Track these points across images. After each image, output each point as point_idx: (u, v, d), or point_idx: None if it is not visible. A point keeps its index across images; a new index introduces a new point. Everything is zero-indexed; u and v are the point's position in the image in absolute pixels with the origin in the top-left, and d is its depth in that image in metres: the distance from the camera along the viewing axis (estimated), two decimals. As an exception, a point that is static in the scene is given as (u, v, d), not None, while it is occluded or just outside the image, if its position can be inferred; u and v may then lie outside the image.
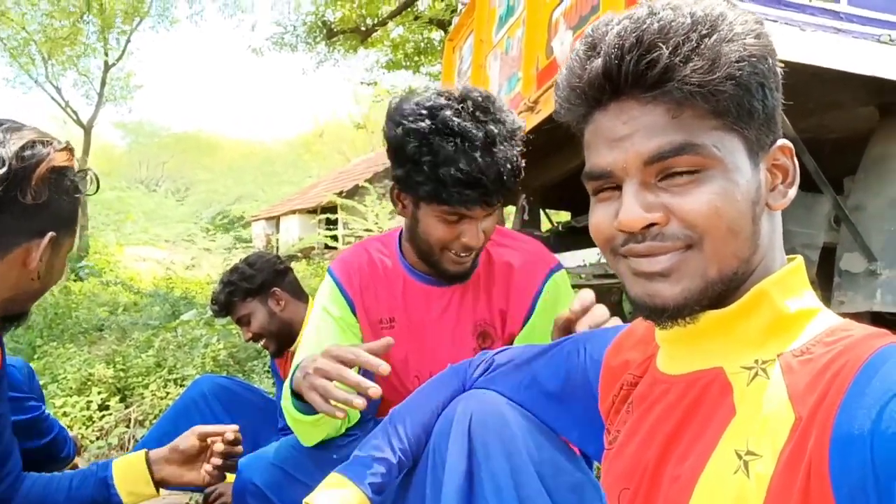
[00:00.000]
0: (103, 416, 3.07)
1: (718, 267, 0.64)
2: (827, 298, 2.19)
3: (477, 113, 1.26)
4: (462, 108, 1.26)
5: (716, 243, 0.64)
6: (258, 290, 2.13)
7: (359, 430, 1.49)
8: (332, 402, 1.09)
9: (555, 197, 3.55)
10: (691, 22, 0.62)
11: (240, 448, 1.36)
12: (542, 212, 3.64)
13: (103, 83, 15.20)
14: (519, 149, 1.30)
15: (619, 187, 0.67)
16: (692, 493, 0.63)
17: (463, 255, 1.34)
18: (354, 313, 1.49)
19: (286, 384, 1.34)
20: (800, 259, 0.69)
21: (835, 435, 0.53)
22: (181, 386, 3.34)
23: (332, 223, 13.66)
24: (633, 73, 0.63)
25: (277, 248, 14.56)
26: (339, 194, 13.61)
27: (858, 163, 2.32)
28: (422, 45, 11.57)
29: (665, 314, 0.67)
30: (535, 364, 1.07)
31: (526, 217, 3.41)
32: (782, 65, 0.68)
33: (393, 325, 1.48)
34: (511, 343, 1.45)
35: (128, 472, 1.30)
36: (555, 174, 3.08)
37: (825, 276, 2.26)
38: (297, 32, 11.65)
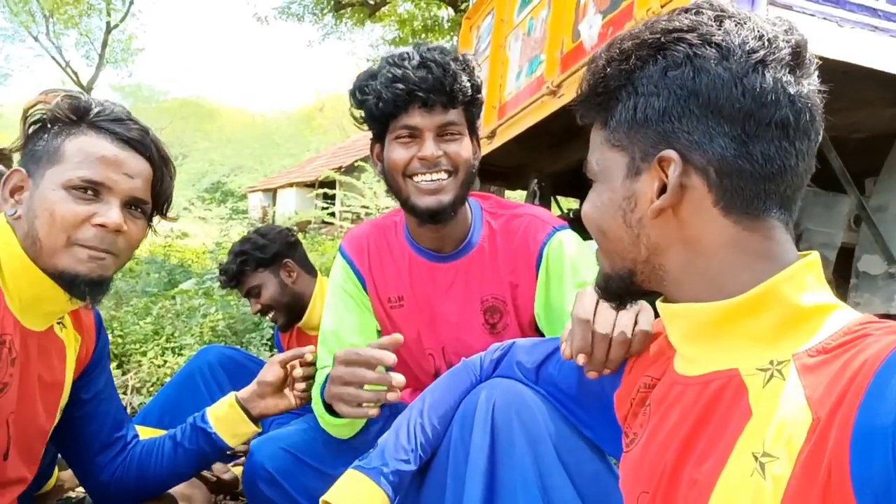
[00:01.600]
0: (100, 381, 3.04)
1: (609, 262, 0.77)
2: (843, 299, 2.18)
3: (423, 52, 1.31)
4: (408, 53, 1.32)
5: (596, 240, 0.78)
6: (270, 260, 2.11)
7: (383, 424, 1.48)
8: (364, 405, 1.13)
9: (567, 183, 3.53)
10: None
11: (314, 370, 1.41)
12: (552, 198, 3.61)
13: (104, 45, 15.01)
14: (462, 65, 1.32)
15: None
16: (710, 496, 0.63)
17: (424, 176, 1.31)
18: (366, 290, 1.49)
19: (315, 393, 1.35)
20: (815, 255, 0.68)
21: (855, 435, 0.52)
22: (179, 355, 3.31)
23: (329, 198, 13.58)
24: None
25: (274, 220, 14.50)
26: (338, 170, 13.52)
27: (881, 163, 2.30)
28: (429, 22, 11.45)
29: (599, 295, 0.82)
30: (548, 363, 1.08)
31: (536, 202, 3.38)
32: (819, 61, 0.70)
33: (402, 303, 1.48)
34: (527, 317, 1.43)
35: (224, 418, 1.35)
36: (569, 160, 3.05)
37: (842, 277, 2.25)
38: (304, 2, 11.51)
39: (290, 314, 2.14)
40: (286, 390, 1.39)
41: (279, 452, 1.34)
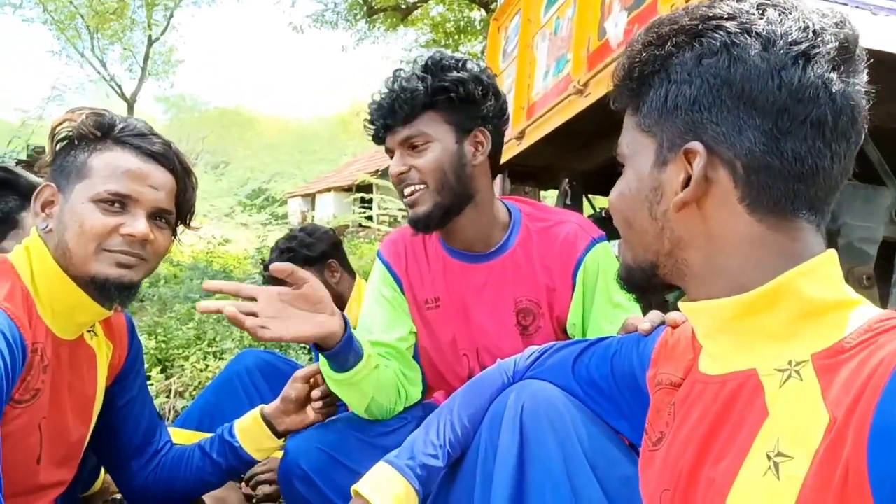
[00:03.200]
0: (145, 385, 3.13)
1: (631, 255, 0.76)
2: (885, 295, 2.12)
3: (424, 62, 1.38)
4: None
5: (620, 231, 0.78)
6: (317, 259, 2.14)
7: (407, 413, 1.50)
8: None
9: (598, 182, 3.49)
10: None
11: None
12: (584, 197, 3.58)
13: (146, 58, 15.46)
14: (435, 67, 1.36)
15: None
16: (727, 496, 0.63)
17: (403, 189, 1.38)
18: (403, 293, 1.52)
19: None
20: (832, 252, 0.66)
21: (873, 435, 0.51)
22: (220, 359, 3.38)
23: (366, 202, 13.70)
24: None
25: (313, 225, 14.67)
26: (374, 173, 13.64)
27: (924, 155, 2.22)
28: (462, 23, 11.46)
29: (621, 286, 0.81)
30: (583, 357, 1.08)
31: (568, 201, 3.37)
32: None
33: (438, 304, 1.50)
34: (560, 321, 1.44)
35: (250, 432, 1.40)
36: (599, 159, 3.03)
37: (884, 272, 2.18)
38: (337, 9, 11.65)
39: None
40: (308, 406, 1.42)
41: (314, 451, 1.36)
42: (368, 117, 1.41)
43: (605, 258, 1.41)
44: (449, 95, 1.35)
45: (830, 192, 0.66)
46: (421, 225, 1.39)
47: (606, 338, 1.10)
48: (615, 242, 0.94)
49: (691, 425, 0.72)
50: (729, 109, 0.64)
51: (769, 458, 0.59)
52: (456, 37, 11.42)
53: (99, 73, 15.48)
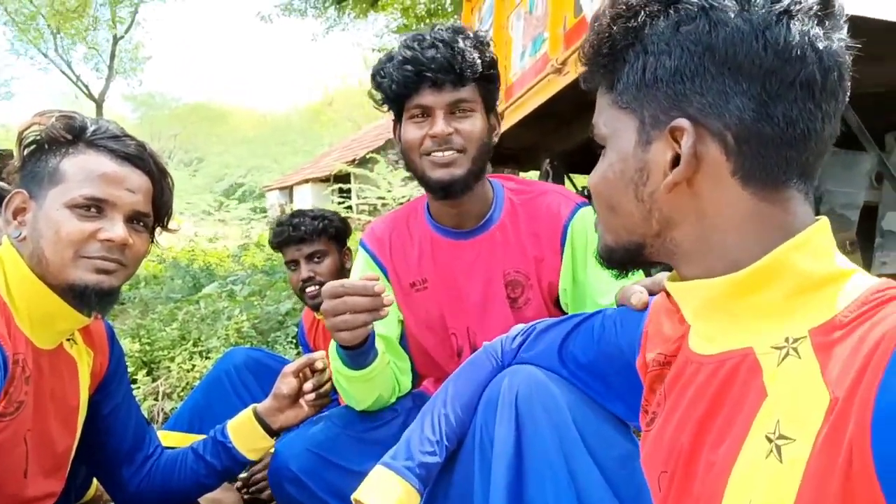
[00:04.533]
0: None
1: (612, 237, 0.73)
2: (868, 259, 2.14)
3: (434, 32, 1.36)
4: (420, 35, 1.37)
5: (600, 214, 0.75)
6: (341, 239, 2.16)
7: (397, 405, 1.50)
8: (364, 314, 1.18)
9: (579, 161, 3.49)
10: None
11: (327, 374, 1.42)
12: (565, 176, 3.58)
13: (112, 56, 15.16)
14: (473, 41, 1.35)
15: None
16: (727, 480, 0.61)
17: (437, 151, 1.35)
18: (388, 280, 1.52)
19: (332, 349, 1.36)
20: (824, 219, 0.64)
21: (876, 414, 0.49)
22: (207, 358, 3.35)
23: (344, 192, 13.61)
24: None
25: (292, 218, 14.54)
26: (351, 163, 13.54)
27: (901, 118, 2.23)
28: (432, 6, 11.35)
29: (600, 263, 0.78)
30: (568, 343, 1.07)
31: (549, 181, 3.36)
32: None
33: (426, 285, 1.50)
34: (551, 291, 1.44)
35: (243, 432, 1.38)
36: (580, 138, 3.02)
37: (866, 237, 2.20)
38: (305, -3, 11.46)
39: None
40: (301, 400, 1.41)
41: (304, 453, 1.35)
42: (399, 65, 1.34)
43: (592, 221, 1.40)
44: (489, 72, 1.38)
45: (820, 157, 0.64)
46: (453, 187, 1.36)
47: (591, 316, 1.08)
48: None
49: (686, 406, 0.70)
50: (713, 77, 0.61)
51: (770, 440, 0.58)
52: (427, 20, 11.31)
53: (65, 73, 15.14)
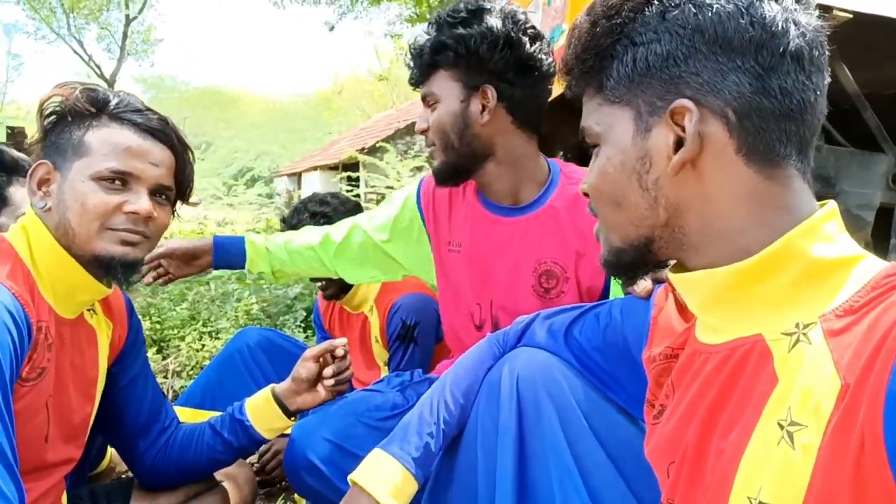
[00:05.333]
0: (142, 367, 3.11)
1: (619, 235, 0.72)
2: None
3: (433, 18, 1.37)
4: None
5: (604, 215, 0.73)
6: None
7: (414, 393, 1.49)
8: None
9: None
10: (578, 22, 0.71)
11: (347, 361, 1.43)
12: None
13: (125, 37, 15.12)
14: (447, 21, 1.33)
15: None
16: (738, 466, 0.61)
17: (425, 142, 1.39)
18: (425, 227, 1.56)
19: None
20: (832, 204, 0.65)
21: (889, 400, 0.49)
22: (216, 338, 3.37)
23: (353, 181, 13.61)
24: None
25: (300, 204, 14.53)
26: (361, 151, 13.52)
27: (919, 120, 2.22)
28: (446, -3, 11.30)
29: (608, 270, 0.77)
30: (574, 328, 1.07)
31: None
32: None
33: (459, 249, 1.50)
34: (590, 291, 1.40)
35: (261, 412, 1.39)
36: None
37: (881, 238, 2.20)
38: (320, -16, 11.43)
39: (341, 286, 2.14)
40: (319, 385, 1.42)
41: (322, 442, 1.34)
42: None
43: None
44: (450, 53, 1.32)
45: (814, 133, 0.65)
46: (439, 178, 1.43)
47: (596, 305, 1.08)
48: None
49: (693, 396, 0.70)
50: (706, 56, 0.62)
51: (782, 426, 0.58)
52: (440, 9, 11.27)
53: (77, 53, 15.15)
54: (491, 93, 1.33)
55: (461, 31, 1.30)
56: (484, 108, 1.34)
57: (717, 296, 0.67)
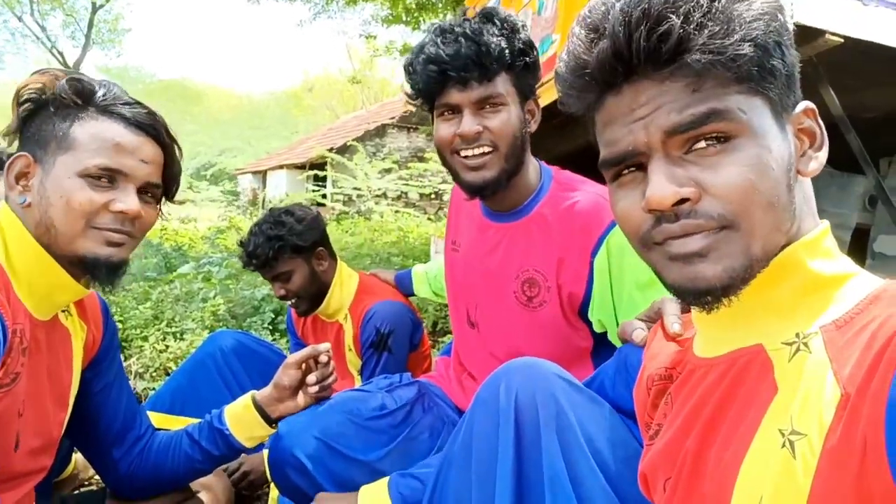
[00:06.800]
0: (103, 367, 3.00)
1: (762, 243, 0.60)
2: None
3: (458, 24, 1.29)
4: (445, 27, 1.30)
5: (754, 219, 0.59)
6: (308, 248, 2.02)
7: (402, 395, 1.48)
8: None
9: (575, 165, 3.49)
10: None
11: (331, 367, 1.40)
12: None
13: (90, 25, 14.72)
14: (503, 29, 1.29)
15: (642, 167, 0.63)
16: (737, 475, 0.60)
17: (466, 151, 1.30)
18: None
19: None
20: (825, 223, 0.65)
21: (890, 410, 0.49)
22: (181, 339, 3.27)
23: (320, 180, 13.45)
24: (645, 49, 0.59)
25: (264, 203, 14.37)
26: (330, 150, 13.40)
27: (896, 144, 2.28)
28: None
29: (709, 296, 0.61)
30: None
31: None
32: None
33: (457, 249, 1.56)
34: (571, 300, 1.34)
35: (241, 420, 1.35)
36: (577, 142, 3.02)
37: (857, 259, 2.24)
38: (295, -19, 11.29)
39: (314, 301, 2.08)
40: (301, 391, 1.38)
41: (310, 440, 1.31)
42: (424, 64, 1.29)
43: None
44: (525, 58, 1.30)
45: None
46: (485, 190, 1.32)
47: (592, 378, 1.08)
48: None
49: (692, 407, 0.70)
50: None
51: (783, 434, 0.57)
52: (416, 13, 11.24)
53: (39, 39, 14.68)
54: (537, 103, 1.37)
55: (526, 37, 1.31)
56: (532, 117, 1.36)
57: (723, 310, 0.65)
